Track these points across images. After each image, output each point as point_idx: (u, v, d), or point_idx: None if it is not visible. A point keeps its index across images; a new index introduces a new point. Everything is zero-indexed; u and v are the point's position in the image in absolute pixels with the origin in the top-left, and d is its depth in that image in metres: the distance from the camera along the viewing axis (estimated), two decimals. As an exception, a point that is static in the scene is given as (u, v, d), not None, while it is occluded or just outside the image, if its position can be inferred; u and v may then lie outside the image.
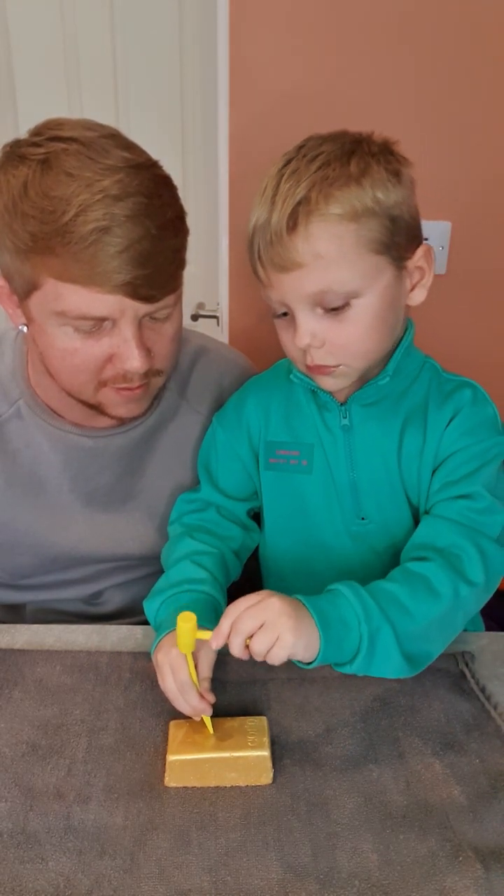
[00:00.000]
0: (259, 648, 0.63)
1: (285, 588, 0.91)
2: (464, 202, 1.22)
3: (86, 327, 0.73)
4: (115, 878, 0.56)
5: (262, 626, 0.62)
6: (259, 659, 0.64)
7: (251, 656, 0.64)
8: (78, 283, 0.70)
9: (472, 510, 0.76)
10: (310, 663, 0.65)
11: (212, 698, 0.69)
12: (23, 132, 0.74)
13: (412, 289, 0.76)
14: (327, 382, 0.78)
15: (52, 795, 0.64)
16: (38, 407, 0.89)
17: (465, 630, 0.90)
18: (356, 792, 0.64)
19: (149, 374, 0.79)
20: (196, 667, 0.69)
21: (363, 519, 0.85)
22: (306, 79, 1.14)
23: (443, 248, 1.24)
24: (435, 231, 1.21)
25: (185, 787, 0.65)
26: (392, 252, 0.72)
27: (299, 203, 0.68)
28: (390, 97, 1.15)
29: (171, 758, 0.65)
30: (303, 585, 0.89)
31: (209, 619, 0.74)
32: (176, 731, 0.69)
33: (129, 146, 0.73)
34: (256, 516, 0.94)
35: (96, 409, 0.83)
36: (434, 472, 0.81)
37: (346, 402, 0.82)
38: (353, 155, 0.70)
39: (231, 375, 0.98)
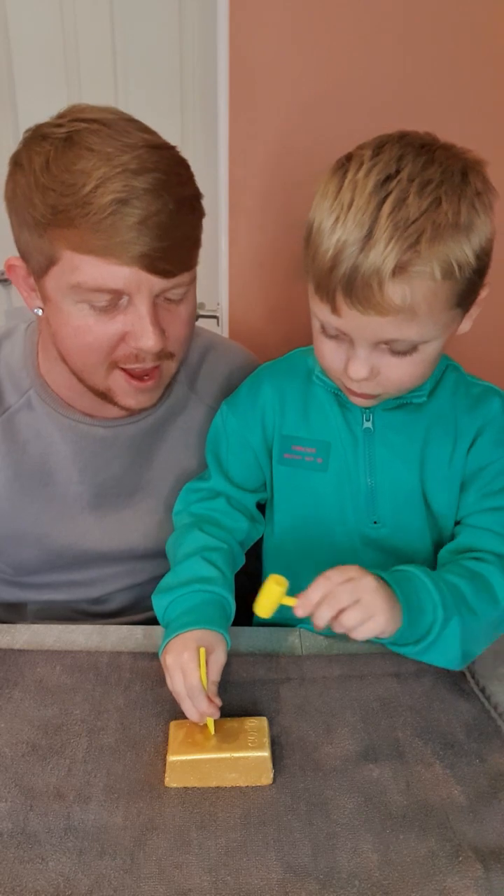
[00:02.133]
0: (351, 623, 0.63)
1: (290, 579, 0.91)
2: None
3: (101, 302, 0.74)
4: (115, 878, 0.56)
5: (356, 602, 0.63)
6: (341, 630, 0.64)
7: (324, 626, 0.64)
8: (95, 255, 0.70)
9: None
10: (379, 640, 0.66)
11: (219, 702, 0.68)
12: (23, 132, 0.75)
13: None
14: (360, 402, 0.77)
15: (52, 795, 0.64)
16: (48, 396, 0.89)
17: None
18: (356, 792, 0.64)
19: (161, 355, 0.79)
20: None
21: (376, 523, 0.84)
22: (307, 79, 1.14)
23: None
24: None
25: (185, 788, 0.65)
26: (467, 302, 0.70)
27: (406, 250, 0.62)
28: (391, 97, 1.14)
29: (171, 758, 0.65)
30: (307, 576, 0.89)
31: (219, 621, 0.74)
32: (176, 731, 0.68)
33: (148, 130, 0.74)
34: (260, 507, 0.94)
35: (105, 397, 0.83)
36: (463, 482, 0.81)
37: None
38: (462, 195, 0.64)
39: (241, 371, 0.98)
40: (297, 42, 1.12)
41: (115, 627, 0.87)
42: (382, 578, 0.67)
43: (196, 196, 0.76)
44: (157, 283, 0.73)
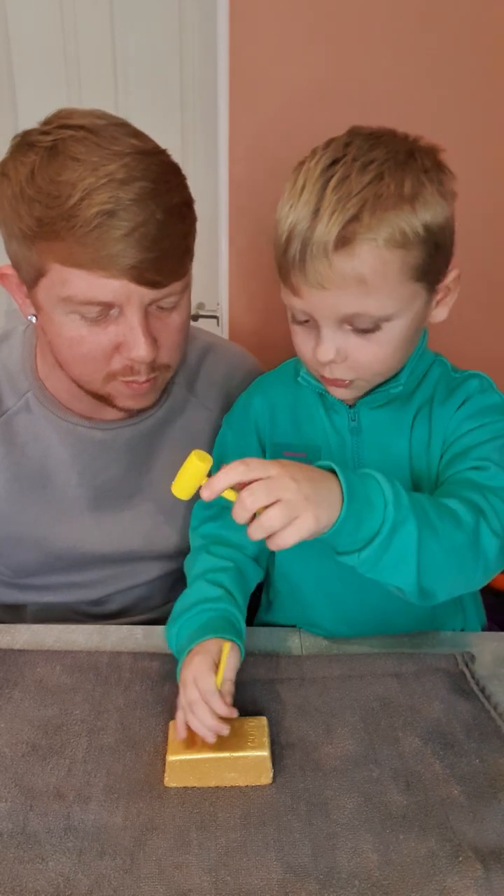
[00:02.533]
0: (273, 525, 0.56)
1: (291, 588, 0.90)
2: (463, 202, 1.22)
3: (92, 314, 0.73)
4: (115, 878, 0.56)
5: (277, 502, 0.56)
6: (261, 535, 0.57)
7: (242, 522, 0.58)
8: (83, 268, 0.70)
9: (482, 477, 0.75)
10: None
11: (230, 701, 0.66)
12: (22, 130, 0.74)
13: (436, 306, 0.75)
14: (339, 392, 0.77)
15: (52, 795, 0.64)
16: (46, 399, 0.89)
17: (464, 630, 0.90)
18: (356, 792, 0.64)
19: (155, 366, 0.79)
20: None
21: None
22: (307, 79, 1.14)
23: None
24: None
25: (185, 788, 0.65)
26: (429, 277, 0.71)
27: (349, 221, 0.64)
28: (390, 96, 1.15)
29: (170, 758, 0.65)
30: (308, 585, 0.88)
31: (227, 629, 0.73)
32: (175, 731, 0.68)
33: (138, 134, 0.73)
34: None
35: (105, 400, 0.83)
36: (441, 456, 0.80)
37: (355, 405, 0.81)
38: (406, 170, 0.67)
39: (240, 372, 0.98)
40: (297, 42, 1.12)
41: (115, 627, 0.87)
42: (328, 469, 0.62)
43: (186, 203, 0.75)
44: (148, 294, 0.73)
